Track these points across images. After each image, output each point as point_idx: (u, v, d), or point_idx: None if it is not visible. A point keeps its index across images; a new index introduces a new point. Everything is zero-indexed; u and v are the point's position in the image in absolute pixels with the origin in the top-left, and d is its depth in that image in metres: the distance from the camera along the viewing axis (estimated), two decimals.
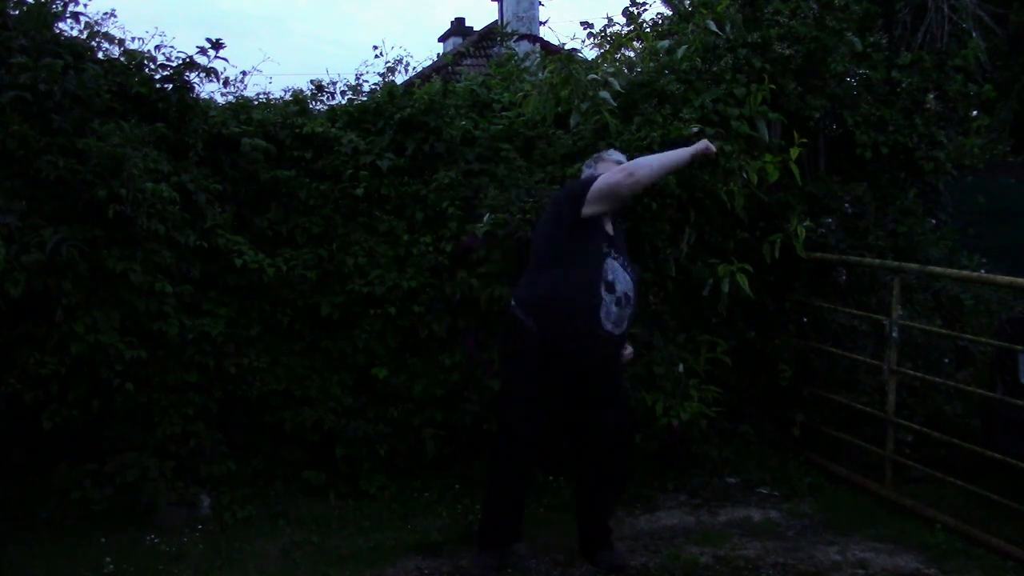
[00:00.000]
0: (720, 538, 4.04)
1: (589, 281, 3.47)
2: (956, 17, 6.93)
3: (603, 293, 3.47)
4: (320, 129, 4.57)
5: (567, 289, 3.49)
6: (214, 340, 4.22)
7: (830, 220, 5.03)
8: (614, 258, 3.57)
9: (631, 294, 3.58)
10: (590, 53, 7.87)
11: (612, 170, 3.58)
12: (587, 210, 3.51)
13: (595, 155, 3.88)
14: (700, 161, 4.46)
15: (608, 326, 3.50)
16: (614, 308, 3.50)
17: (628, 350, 3.85)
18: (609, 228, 3.66)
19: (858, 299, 5.04)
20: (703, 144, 3.70)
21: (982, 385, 4.69)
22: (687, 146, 4.41)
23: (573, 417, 3.71)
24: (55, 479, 4.04)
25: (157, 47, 4.44)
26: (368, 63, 5.28)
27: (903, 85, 5.28)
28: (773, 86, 4.71)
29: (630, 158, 4.35)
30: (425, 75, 7.12)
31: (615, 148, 4.39)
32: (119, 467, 4.02)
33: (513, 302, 3.66)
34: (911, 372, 4.56)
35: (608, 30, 8.43)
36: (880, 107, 5.19)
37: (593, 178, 3.60)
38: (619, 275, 3.55)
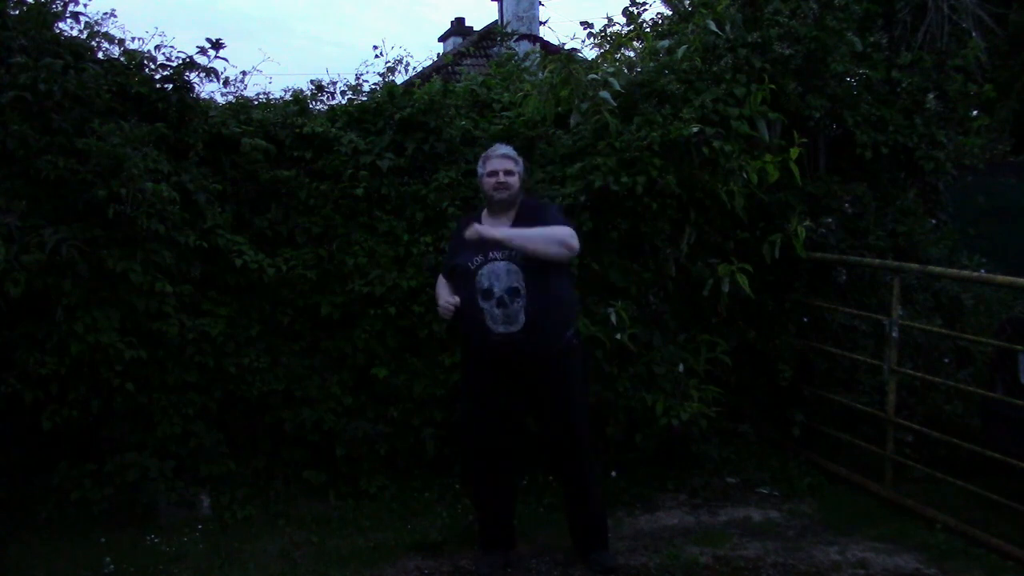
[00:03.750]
0: (720, 538, 4.04)
1: (468, 297, 3.54)
2: (956, 17, 6.92)
3: (481, 303, 3.52)
4: (320, 129, 4.57)
5: (461, 307, 3.55)
6: (214, 340, 4.22)
7: (830, 220, 5.02)
8: (492, 260, 3.54)
9: (517, 285, 3.51)
10: (590, 53, 7.86)
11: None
12: None
13: (484, 154, 3.81)
14: (700, 160, 4.48)
15: (499, 328, 3.50)
16: (497, 311, 3.50)
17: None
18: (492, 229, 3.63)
19: (858, 299, 5.04)
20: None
21: (982, 385, 4.69)
22: (687, 144, 4.43)
23: (536, 421, 3.74)
24: (55, 479, 4.04)
25: (157, 47, 4.44)
26: (368, 63, 5.29)
27: (903, 85, 5.28)
28: (773, 86, 4.71)
29: (628, 157, 4.38)
30: (425, 75, 7.11)
31: (615, 147, 4.40)
32: (119, 467, 4.02)
33: None
34: (911, 372, 4.56)
35: (608, 30, 8.42)
36: (880, 107, 5.19)
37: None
38: (497, 277, 3.52)
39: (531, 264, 3.52)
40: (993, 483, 4.03)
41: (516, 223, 3.62)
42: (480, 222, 3.65)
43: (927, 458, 4.48)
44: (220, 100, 4.82)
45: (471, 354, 3.71)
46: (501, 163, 3.67)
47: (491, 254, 3.55)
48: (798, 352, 4.97)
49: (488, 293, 3.52)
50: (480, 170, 3.75)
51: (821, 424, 4.93)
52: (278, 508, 4.26)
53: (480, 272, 3.54)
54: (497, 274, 3.53)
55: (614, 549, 3.85)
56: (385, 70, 5.14)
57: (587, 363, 4.04)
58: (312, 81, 5.04)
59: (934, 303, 5.24)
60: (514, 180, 3.67)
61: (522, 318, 3.50)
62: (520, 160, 3.77)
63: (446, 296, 3.61)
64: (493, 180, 3.64)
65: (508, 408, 3.65)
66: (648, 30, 6.08)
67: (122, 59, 4.39)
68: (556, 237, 3.53)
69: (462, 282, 3.58)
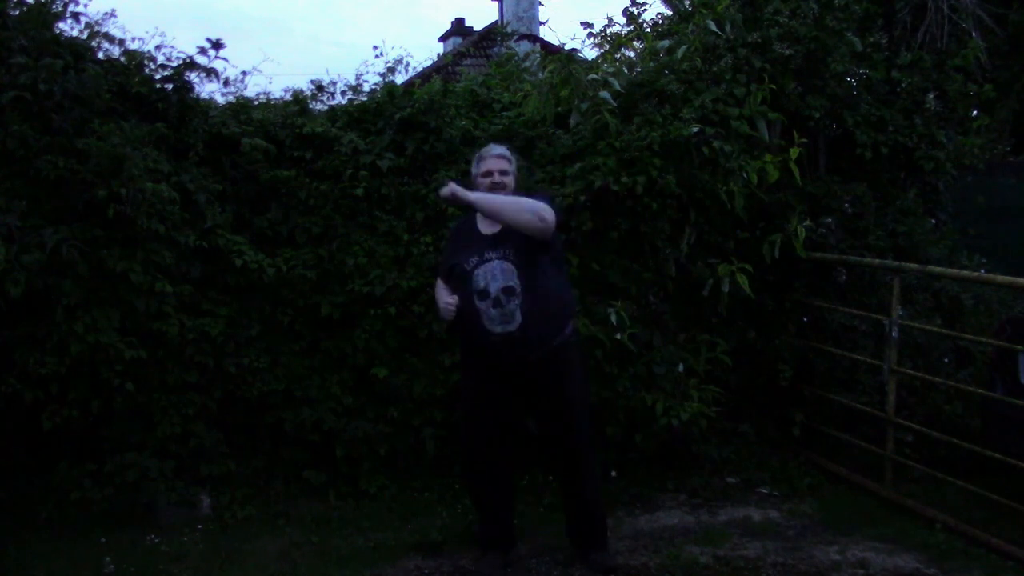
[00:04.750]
0: (720, 538, 4.04)
1: (465, 296, 3.51)
2: (956, 17, 6.93)
3: (477, 303, 3.48)
4: (320, 129, 4.57)
5: (459, 308, 3.52)
6: (214, 340, 4.22)
7: (830, 220, 5.02)
8: (487, 260, 3.52)
9: (512, 284, 3.47)
10: (590, 53, 7.86)
11: None
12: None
13: (478, 154, 3.78)
14: (699, 160, 4.48)
15: (497, 328, 3.47)
16: (493, 311, 3.47)
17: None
18: (484, 227, 3.60)
19: (858, 299, 5.03)
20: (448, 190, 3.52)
21: (982, 385, 4.69)
22: (687, 145, 4.42)
23: (536, 420, 3.72)
24: (55, 479, 4.04)
25: (157, 47, 4.46)
26: (368, 63, 5.29)
27: (903, 85, 5.28)
28: (773, 86, 4.71)
29: (628, 157, 4.38)
30: (425, 75, 7.13)
31: (615, 148, 4.40)
32: (119, 467, 4.03)
33: None
34: (911, 372, 4.56)
35: (608, 30, 8.42)
36: (880, 107, 5.19)
37: None
38: (492, 276, 3.49)
39: (525, 262, 3.50)
40: (993, 483, 4.03)
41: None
42: (475, 223, 3.64)
43: (927, 458, 4.47)
44: (220, 100, 4.83)
45: (470, 355, 3.69)
46: (496, 163, 3.65)
47: (486, 254, 3.53)
48: (798, 352, 4.97)
49: (484, 293, 3.49)
50: (474, 170, 3.72)
51: (821, 424, 4.93)
52: (278, 508, 4.26)
53: (476, 272, 3.51)
54: (492, 273, 3.50)
55: (614, 549, 3.85)
56: (385, 70, 5.15)
57: (585, 362, 4.02)
58: (312, 81, 5.05)
59: (934, 303, 5.24)
60: (509, 180, 3.65)
61: (518, 317, 3.47)
62: (514, 159, 3.75)
63: (445, 297, 3.59)
64: (488, 180, 3.62)
65: (507, 408, 3.63)
66: (648, 30, 6.07)
67: (122, 59, 4.40)
68: (527, 205, 3.46)
69: (459, 283, 3.56)
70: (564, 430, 3.65)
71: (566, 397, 3.62)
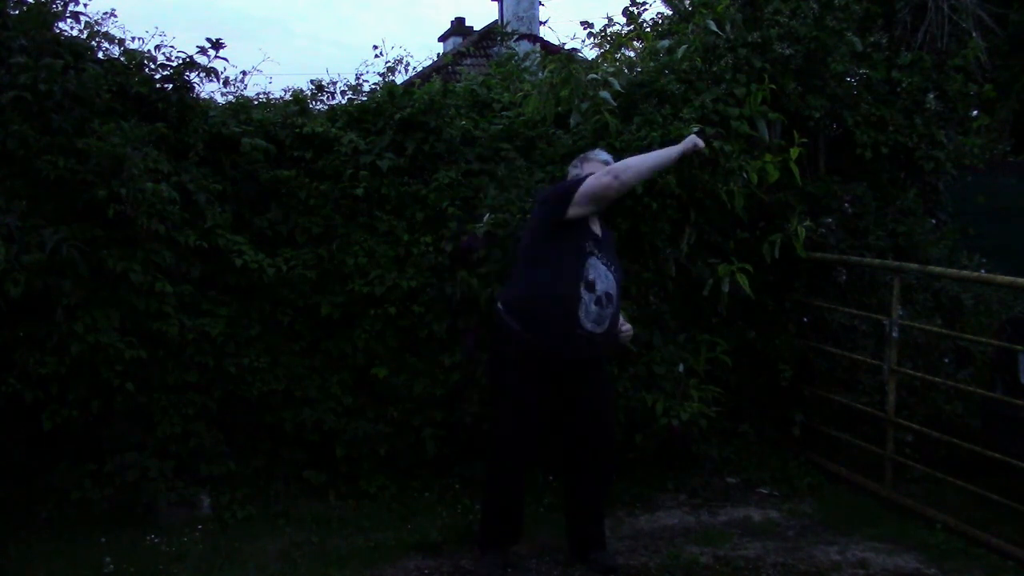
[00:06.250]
0: (720, 538, 4.04)
1: (569, 280, 3.49)
2: (956, 17, 6.92)
3: (583, 292, 3.49)
4: (320, 129, 4.57)
5: (547, 288, 3.50)
6: (214, 340, 4.22)
7: (830, 220, 5.02)
8: (598, 258, 3.56)
9: (613, 293, 3.57)
10: (590, 53, 7.89)
11: (599, 172, 3.60)
12: (572, 212, 3.54)
13: (581, 155, 3.87)
14: (699, 160, 4.47)
15: (588, 325, 3.50)
16: (593, 307, 3.50)
17: (627, 327, 3.82)
18: (596, 228, 3.66)
19: (858, 299, 5.03)
20: (691, 141, 3.77)
21: (982, 385, 4.69)
22: None
23: (559, 417, 3.70)
24: (55, 479, 4.04)
25: (157, 47, 4.45)
26: (368, 63, 5.30)
27: (903, 85, 5.28)
28: (773, 86, 4.71)
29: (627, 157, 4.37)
30: (425, 75, 7.13)
31: (615, 148, 4.40)
32: (119, 467, 4.02)
33: (499, 304, 3.67)
34: (911, 372, 4.56)
35: (608, 30, 8.45)
36: (880, 107, 5.19)
37: (580, 180, 3.61)
38: (600, 274, 3.54)
39: (619, 277, 3.66)
40: (993, 483, 4.03)
41: (603, 225, 3.75)
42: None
43: (927, 458, 4.48)
44: (220, 100, 4.83)
45: (536, 342, 3.52)
46: (599, 168, 3.69)
47: (598, 251, 3.57)
48: (798, 352, 4.97)
49: (592, 285, 3.50)
50: (576, 170, 3.78)
51: (821, 424, 4.93)
52: (278, 508, 4.26)
53: (588, 261, 3.53)
54: (600, 272, 3.54)
55: (614, 549, 3.85)
56: (385, 70, 5.15)
57: None
58: (312, 81, 5.05)
59: (934, 303, 5.24)
60: None
61: (607, 324, 3.55)
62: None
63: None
64: None
65: (554, 404, 3.64)
66: (648, 30, 6.09)
67: (122, 59, 4.39)
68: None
69: (566, 259, 3.51)
70: (600, 430, 3.70)
71: (609, 399, 3.80)
